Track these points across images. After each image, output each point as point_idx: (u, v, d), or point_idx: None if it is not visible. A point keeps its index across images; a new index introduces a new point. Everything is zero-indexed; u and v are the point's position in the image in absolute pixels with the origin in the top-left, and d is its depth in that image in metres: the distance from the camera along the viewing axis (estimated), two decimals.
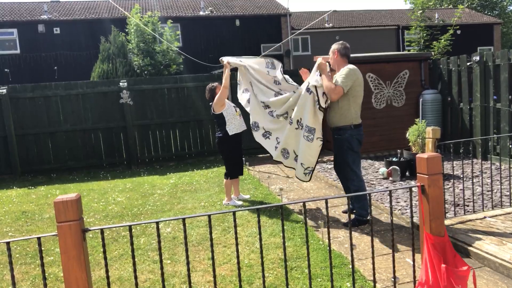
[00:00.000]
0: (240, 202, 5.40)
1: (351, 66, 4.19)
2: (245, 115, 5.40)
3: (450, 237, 3.31)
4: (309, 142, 4.43)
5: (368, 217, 4.22)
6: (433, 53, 10.29)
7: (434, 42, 11.29)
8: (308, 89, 4.40)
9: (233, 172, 5.34)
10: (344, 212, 4.73)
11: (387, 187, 5.72)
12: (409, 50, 13.76)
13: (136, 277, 2.06)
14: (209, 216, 2.04)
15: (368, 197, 4.35)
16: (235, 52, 20.13)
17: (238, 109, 5.32)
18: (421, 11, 11.94)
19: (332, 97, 4.14)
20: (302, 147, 4.54)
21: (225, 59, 5.17)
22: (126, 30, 14.40)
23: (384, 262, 3.40)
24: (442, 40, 11.12)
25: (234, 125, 5.17)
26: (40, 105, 8.32)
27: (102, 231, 2.00)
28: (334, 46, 4.36)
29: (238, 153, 5.34)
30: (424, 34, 11.78)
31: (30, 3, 21.13)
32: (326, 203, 2.34)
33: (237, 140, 5.25)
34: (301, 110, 4.51)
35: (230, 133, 5.14)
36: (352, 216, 4.36)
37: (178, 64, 14.64)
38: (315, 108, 4.35)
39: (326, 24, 23.96)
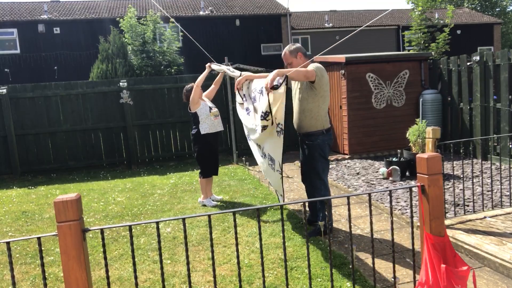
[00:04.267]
0: (214, 202, 5.46)
1: (316, 63, 3.87)
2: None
3: (450, 237, 3.31)
4: (272, 170, 4.28)
5: (322, 223, 3.85)
6: (433, 53, 10.27)
7: (432, 44, 11.28)
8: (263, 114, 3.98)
9: (206, 171, 5.41)
10: (310, 223, 4.33)
11: (387, 187, 5.72)
12: (409, 50, 13.75)
13: (136, 277, 2.06)
14: (209, 216, 2.04)
15: (329, 207, 4.11)
16: (235, 52, 20.16)
17: (214, 110, 5.41)
18: (420, 11, 11.90)
19: (310, 76, 3.67)
20: (269, 172, 4.46)
21: (211, 65, 5.38)
22: (123, 31, 14.39)
23: (384, 262, 3.40)
24: (440, 40, 11.12)
25: (207, 125, 5.29)
26: (40, 105, 8.32)
27: (102, 231, 2.00)
28: (296, 47, 3.95)
29: (210, 152, 5.41)
30: (424, 35, 11.76)
31: (30, 3, 21.13)
32: (326, 203, 2.34)
33: (209, 140, 5.33)
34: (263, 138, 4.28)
35: (202, 132, 5.27)
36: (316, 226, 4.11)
37: (179, 65, 14.62)
38: (274, 137, 4.02)
39: (326, 24, 23.96)
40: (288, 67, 3.94)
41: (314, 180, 4.02)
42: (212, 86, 5.64)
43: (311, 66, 3.82)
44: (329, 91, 3.98)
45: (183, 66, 15.03)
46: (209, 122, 5.30)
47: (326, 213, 3.83)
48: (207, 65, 5.41)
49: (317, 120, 3.90)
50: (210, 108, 5.37)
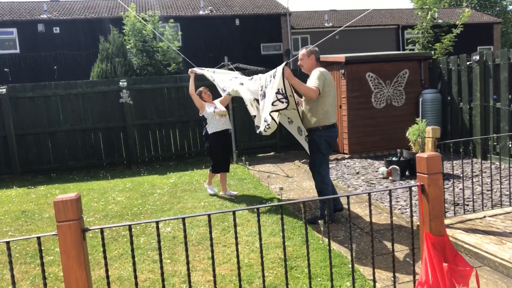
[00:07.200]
0: (215, 190, 5.86)
1: (320, 68, 4.25)
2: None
3: (450, 236, 3.31)
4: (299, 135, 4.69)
5: (323, 218, 4.15)
6: (433, 52, 10.27)
7: (437, 44, 11.28)
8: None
9: (215, 167, 5.75)
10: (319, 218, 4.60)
11: (387, 187, 5.72)
12: (410, 50, 13.74)
13: (136, 277, 2.06)
14: (209, 215, 2.03)
15: (328, 201, 4.41)
16: (235, 52, 20.17)
17: (218, 110, 5.66)
18: (428, 10, 11.88)
19: (312, 96, 4.08)
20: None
21: (194, 70, 5.87)
22: (124, 30, 14.37)
23: (384, 262, 3.40)
24: (446, 40, 11.12)
25: (214, 125, 5.60)
26: (40, 105, 8.31)
27: (102, 230, 2.00)
28: (311, 49, 4.35)
29: (220, 150, 5.69)
30: (428, 35, 11.75)
31: (29, 3, 21.11)
32: (326, 202, 2.34)
33: (218, 138, 5.63)
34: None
35: (209, 131, 5.61)
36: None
37: (178, 63, 14.61)
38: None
39: (326, 24, 23.96)
40: (300, 62, 4.40)
41: (313, 172, 4.43)
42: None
43: (316, 75, 4.15)
44: (332, 91, 4.25)
45: (183, 65, 15.00)
46: (215, 122, 5.61)
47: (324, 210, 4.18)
48: (189, 71, 5.83)
49: (313, 118, 4.23)
50: (215, 109, 5.64)
